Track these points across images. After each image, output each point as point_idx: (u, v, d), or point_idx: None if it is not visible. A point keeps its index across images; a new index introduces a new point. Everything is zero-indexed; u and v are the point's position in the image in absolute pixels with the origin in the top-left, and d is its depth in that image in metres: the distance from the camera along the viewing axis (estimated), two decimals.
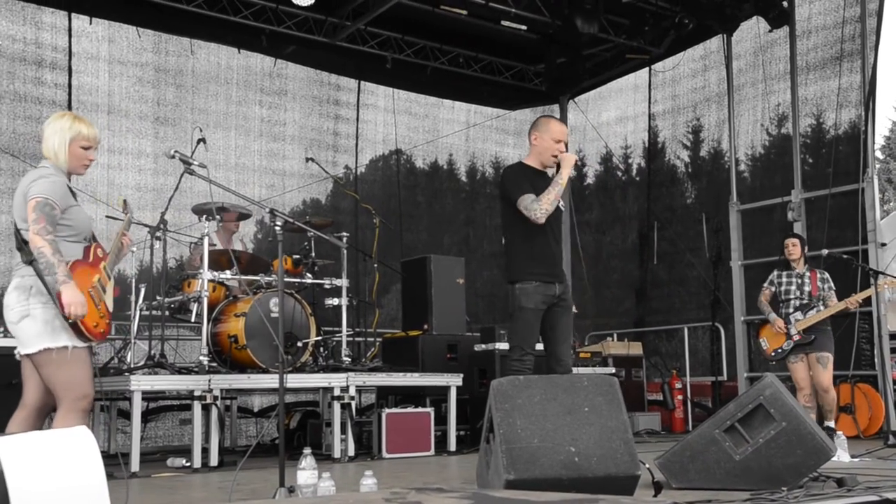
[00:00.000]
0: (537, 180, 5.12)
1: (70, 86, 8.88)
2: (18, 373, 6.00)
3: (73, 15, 8.91)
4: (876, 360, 8.40)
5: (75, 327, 3.65)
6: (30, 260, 3.68)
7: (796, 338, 6.82)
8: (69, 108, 8.81)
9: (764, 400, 4.24)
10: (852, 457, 5.84)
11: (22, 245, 3.73)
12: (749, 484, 4.15)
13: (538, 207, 4.96)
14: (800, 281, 6.98)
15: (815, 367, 6.77)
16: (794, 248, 7.06)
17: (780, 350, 6.93)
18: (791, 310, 6.91)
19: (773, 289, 7.09)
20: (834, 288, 7.00)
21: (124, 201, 4.32)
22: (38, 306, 3.68)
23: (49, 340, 3.67)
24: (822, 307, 6.84)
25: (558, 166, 5.11)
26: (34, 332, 3.68)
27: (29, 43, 8.72)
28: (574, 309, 5.49)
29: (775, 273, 7.17)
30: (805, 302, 6.89)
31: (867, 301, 7.99)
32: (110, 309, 3.94)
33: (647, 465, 4.14)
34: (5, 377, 5.96)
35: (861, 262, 8.00)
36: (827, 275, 7.05)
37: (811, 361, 6.81)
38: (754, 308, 7.89)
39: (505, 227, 5.25)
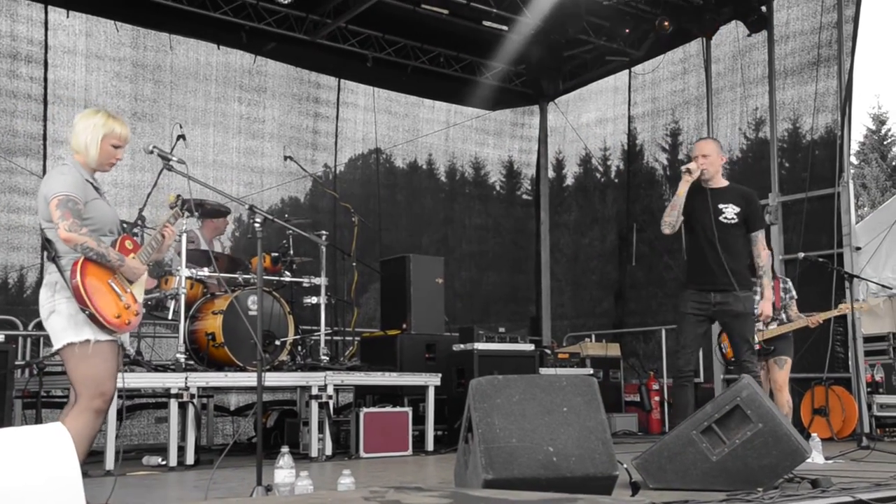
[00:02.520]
0: (694, 197, 5.59)
1: (46, 80, 8.77)
2: None
3: (49, 7, 8.80)
4: (850, 362, 8.49)
5: (94, 318, 3.67)
6: (52, 257, 3.76)
7: (756, 347, 6.92)
8: (44, 102, 8.72)
9: (741, 401, 4.26)
10: (826, 458, 5.89)
11: (46, 244, 3.81)
12: (725, 484, 4.17)
13: (663, 223, 5.60)
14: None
15: (772, 367, 6.94)
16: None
17: None
18: None
19: None
20: (795, 296, 7.12)
21: (177, 196, 4.38)
22: (63, 301, 3.74)
23: (72, 335, 3.72)
24: (783, 316, 6.98)
25: None
26: (60, 328, 3.74)
27: (4, 35, 8.60)
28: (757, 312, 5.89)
29: None
30: None
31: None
32: (139, 299, 3.97)
33: (625, 466, 4.15)
34: None
35: (836, 266, 8.09)
36: (790, 283, 7.17)
37: (769, 364, 6.96)
38: None
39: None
